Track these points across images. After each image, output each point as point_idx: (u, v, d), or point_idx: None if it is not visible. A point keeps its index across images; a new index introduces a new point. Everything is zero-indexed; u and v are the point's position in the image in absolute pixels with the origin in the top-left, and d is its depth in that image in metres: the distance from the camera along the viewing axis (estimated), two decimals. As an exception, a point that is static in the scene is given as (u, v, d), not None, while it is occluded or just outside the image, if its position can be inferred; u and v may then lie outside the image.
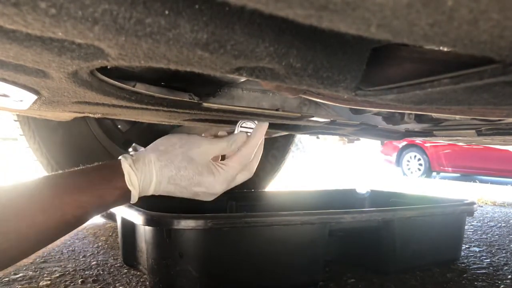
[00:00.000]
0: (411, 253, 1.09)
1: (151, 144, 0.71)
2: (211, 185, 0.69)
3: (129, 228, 1.02)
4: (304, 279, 0.94)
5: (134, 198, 0.66)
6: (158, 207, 0.92)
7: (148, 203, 0.98)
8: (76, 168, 0.64)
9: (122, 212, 0.95)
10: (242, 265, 0.87)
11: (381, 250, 1.06)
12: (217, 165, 0.71)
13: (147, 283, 0.96)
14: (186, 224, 0.81)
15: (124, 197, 0.65)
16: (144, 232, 0.91)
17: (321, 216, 0.93)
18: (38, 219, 0.56)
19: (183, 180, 0.68)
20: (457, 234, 1.22)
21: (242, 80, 0.81)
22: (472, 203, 1.21)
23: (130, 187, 0.64)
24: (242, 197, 1.38)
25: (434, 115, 0.97)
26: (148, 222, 0.84)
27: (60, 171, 0.64)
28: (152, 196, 0.70)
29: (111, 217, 1.59)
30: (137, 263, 1.03)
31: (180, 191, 0.69)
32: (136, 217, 0.86)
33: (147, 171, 0.66)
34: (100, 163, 0.66)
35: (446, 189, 4.17)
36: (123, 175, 0.64)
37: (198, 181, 0.68)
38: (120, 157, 0.67)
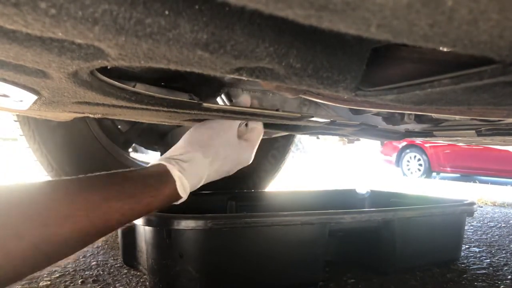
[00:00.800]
0: (411, 253, 1.09)
1: (184, 140, 0.74)
2: (248, 159, 0.79)
3: (129, 228, 1.02)
4: (304, 279, 0.94)
5: (183, 199, 0.68)
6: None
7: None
8: (114, 172, 0.62)
9: None
10: (242, 265, 0.87)
11: (381, 250, 1.06)
12: (244, 140, 0.80)
13: (147, 283, 0.96)
14: (186, 224, 0.81)
15: (170, 201, 0.66)
16: (144, 232, 0.91)
17: (321, 217, 0.93)
18: (82, 224, 0.53)
19: (226, 166, 0.75)
20: (457, 234, 1.22)
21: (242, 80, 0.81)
22: (472, 204, 1.21)
23: (182, 194, 0.65)
24: (242, 197, 1.38)
25: (434, 115, 0.97)
26: (148, 222, 0.84)
27: (97, 174, 0.61)
28: None
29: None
30: (137, 263, 1.03)
31: (221, 175, 0.76)
32: None
33: (199, 171, 0.69)
34: (141, 169, 0.66)
35: (446, 189, 4.17)
36: (172, 182, 0.64)
37: (239, 162, 0.77)
38: (162, 162, 0.66)
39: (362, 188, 1.61)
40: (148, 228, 0.87)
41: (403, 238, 1.06)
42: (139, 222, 0.85)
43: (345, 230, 1.03)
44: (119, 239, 1.11)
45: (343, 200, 1.55)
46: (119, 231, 1.08)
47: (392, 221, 1.03)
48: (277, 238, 0.89)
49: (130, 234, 1.02)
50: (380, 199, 1.50)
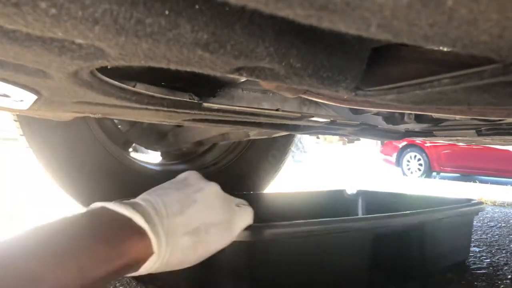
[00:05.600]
0: (436, 256, 1.04)
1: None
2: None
3: None
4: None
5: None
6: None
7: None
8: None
9: None
10: (278, 278, 0.77)
11: (412, 254, 0.98)
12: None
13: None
14: (241, 235, 0.68)
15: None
16: None
17: (368, 222, 0.86)
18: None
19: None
20: (468, 234, 1.19)
21: (242, 80, 0.81)
22: (480, 203, 1.18)
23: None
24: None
25: (434, 115, 0.97)
26: None
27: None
28: None
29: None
30: (155, 279, 0.88)
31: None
32: None
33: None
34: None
35: (446, 189, 4.17)
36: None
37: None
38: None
39: (352, 188, 1.53)
40: None
41: (432, 241, 1.00)
42: None
43: (387, 236, 0.93)
44: None
45: (332, 202, 1.48)
46: None
47: (423, 224, 0.97)
48: (316, 248, 0.80)
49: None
50: (376, 200, 1.44)
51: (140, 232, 0.48)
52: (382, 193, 1.53)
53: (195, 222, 0.55)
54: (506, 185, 4.77)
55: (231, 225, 0.59)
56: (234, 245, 0.66)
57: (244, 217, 0.63)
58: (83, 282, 0.41)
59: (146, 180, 1.56)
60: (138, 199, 0.54)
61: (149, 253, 0.48)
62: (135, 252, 0.46)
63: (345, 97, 0.49)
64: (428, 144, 6.78)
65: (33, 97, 0.59)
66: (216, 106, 0.78)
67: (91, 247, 0.43)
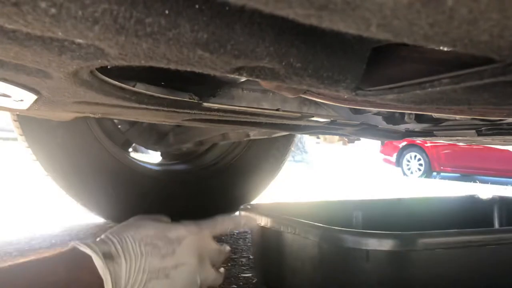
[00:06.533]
0: None
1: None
2: None
3: (272, 241, 0.82)
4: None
5: None
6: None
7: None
8: None
9: (266, 221, 0.78)
10: None
11: None
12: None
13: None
14: (392, 244, 0.63)
15: None
16: (319, 251, 0.71)
17: None
18: None
19: None
20: None
21: (242, 80, 0.81)
22: None
23: None
24: (369, 207, 1.13)
25: (435, 115, 0.97)
26: (333, 239, 0.67)
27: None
28: None
29: (113, 218, 1.58)
30: (282, 285, 0.84)
31: None
32: (309, 231, 0.69)
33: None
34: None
35: (447, 189, 4.17)
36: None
37: None
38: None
39: (486, 194, 1.30)
40: (327, 247, 0.69)
41: None
42: (314, 237, 0.69)
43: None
44: (255, 253, 0.93)
45: (463, 209, 1.25)
46: (255, 243, 0.90)
47: None
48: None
49: (273, 248, 0.83)
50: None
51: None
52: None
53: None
54: (507, 185, 4.77)
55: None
56: (382, 255, 0.63)
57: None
58: None
59: (146, 180, 1.56)
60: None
61: None
62: None
63: (345, 97, 0.49)
64: (428, 144, 6.78)
65: (33, 97, 0.59)
66: (216, 106, 0.78)
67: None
